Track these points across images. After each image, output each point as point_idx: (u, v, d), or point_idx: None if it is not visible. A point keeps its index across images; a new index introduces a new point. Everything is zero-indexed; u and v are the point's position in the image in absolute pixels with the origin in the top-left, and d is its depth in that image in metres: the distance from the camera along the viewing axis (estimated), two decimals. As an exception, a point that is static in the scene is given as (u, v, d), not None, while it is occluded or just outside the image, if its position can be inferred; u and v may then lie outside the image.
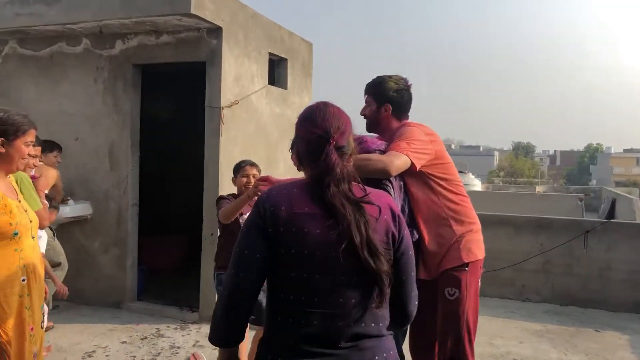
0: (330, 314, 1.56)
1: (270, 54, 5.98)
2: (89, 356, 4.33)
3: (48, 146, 4.86)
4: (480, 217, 6.53)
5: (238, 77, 5.33)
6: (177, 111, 7.07)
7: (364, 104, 3.00)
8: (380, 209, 1.66)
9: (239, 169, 3.69)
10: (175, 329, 5.02)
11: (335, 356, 1.56)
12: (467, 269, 2.78)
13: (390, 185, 2.73)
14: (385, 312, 1.66)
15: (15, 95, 5.89)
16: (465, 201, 2.93)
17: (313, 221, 1.58)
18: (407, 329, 2.96)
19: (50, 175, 4.58)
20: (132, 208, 5.54)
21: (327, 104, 1.74)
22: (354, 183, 1.66)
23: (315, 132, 1.67)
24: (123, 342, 4.63)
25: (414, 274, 1.75)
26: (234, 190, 3.79)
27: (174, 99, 6.94)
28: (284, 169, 6.12)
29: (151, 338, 4.76)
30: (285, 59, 6.34)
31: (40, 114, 5.79)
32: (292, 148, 2.64)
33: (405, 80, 2.96)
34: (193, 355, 4.32)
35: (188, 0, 4.60)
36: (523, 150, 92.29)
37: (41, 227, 3.31)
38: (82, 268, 5.55)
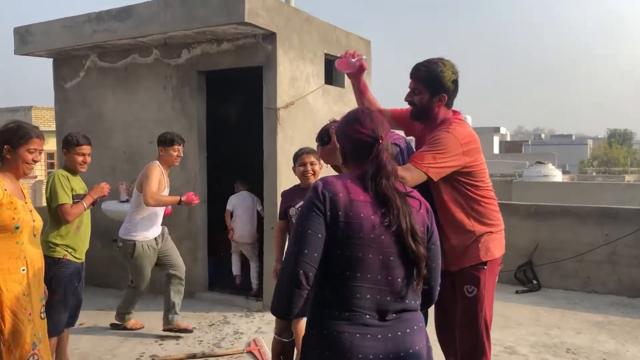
0: (380, 289, 1.79)
1: (326, 54, 6.21)
2: (162, 339, 4.76)
3: (168, 141, 4.66)
4: (541, 208, 6.50)
5: (293, 78, 5.61)
6: (241, 113, 7.45)
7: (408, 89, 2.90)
8: (420, 203, 1.93)
9: (297, 157, 3.85)
10: (241, 316, 5.38)
11: (383, 327, 1.78)
12: (485, 267, 2.84)
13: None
14: (419, 291, 1.89)
15: (96, 104, 6.49)
16: (491, 203, 2.93)
17: (368, 207, 1.81)
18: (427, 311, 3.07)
19: (149, 172, 4.61)
20: (201, 204, 5.97)
21: (370, 108, 2.04)
22: (397, 182, 1.91)
23: (365, 133, 1.92)
24: (193, 328, 5.04)
25: (440, 262, 2.00)
26: (295, 182, 4.03)
27: (238, 101, 7.31)
28: (343, 164, 6.35)
29: (218, 324, 5.14)
30: (342, 59, 6.55)
31: (118, 120, 6.38)
32: (323, 144, 2.82)
33: (455, 68, 2.86)
34: (254, 340, 4.65)
35: (242, 10, 4.93)
36: (620, 137, 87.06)
37: (65, 221, 3.70)
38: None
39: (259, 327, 5.04)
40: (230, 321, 5.24)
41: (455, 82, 2.84)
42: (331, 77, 6.53)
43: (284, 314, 1.83)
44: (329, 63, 6.41)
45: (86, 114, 6.58)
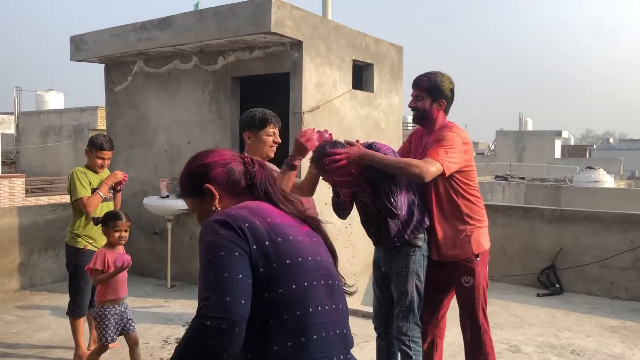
0: (334, 321, 1.51)
1: (355, 60, 6.49)
2: (188, 324, 5.16)
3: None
4: (565, 213, 6.57)
5: (319, 84, 5.92)
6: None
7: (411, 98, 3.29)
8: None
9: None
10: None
11: None
12: (478, 259, 3.21)
13: (399, 181, 3.12)
14: None
15: (142, 106, 7.01)
16: (479, 202, 3.29)
17: (292, 229, 1.55)
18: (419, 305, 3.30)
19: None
20: (232, 202, 6.37)
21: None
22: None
23: (234, 159, 1.70)
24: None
25: None
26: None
27: (268, 105, 7.66)
28: (370, 166, 6.60)
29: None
30: (372, 64, 6.81)
31: (161, 122, 6.87)
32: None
33: (451, 79, 3.29)
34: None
35: (268, 21, 5.28)
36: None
37: (86, 212, 4.06)
38: (195, 253, 6.47)
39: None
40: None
41: (452, 91, 3.27)
42: (361, 82, 6.81)
43: None
44: (358, 69, 6.69)
45: (133, 115, 7.12)
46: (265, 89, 6.77)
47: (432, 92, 3.21)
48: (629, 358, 4.44)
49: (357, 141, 3.10)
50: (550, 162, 32.30)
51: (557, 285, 6.29)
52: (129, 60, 6.99)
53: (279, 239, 1.48)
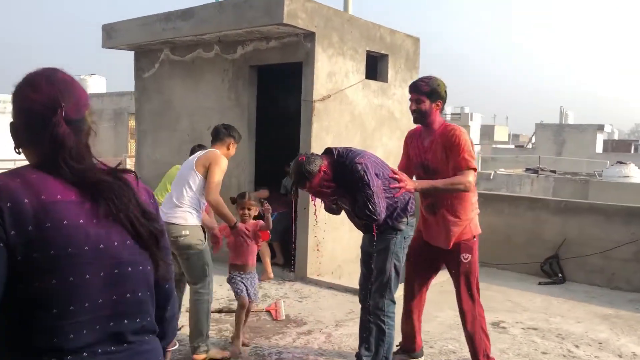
0: (103, 318, 1.32)
1: (369, 51, 6.73)
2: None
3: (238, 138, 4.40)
4: (570, 204, 6.74)
5: (331, 73, 6.19)
6: (284, 104, 8.03)
7: (410, 103, 3.77)
8: (136, 181, 1.48)
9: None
10: (273, 283, 6.07)
11: (120, 352, 1.35)
12: (475, 239, 3.73)
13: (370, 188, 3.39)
14: (150, 307, 1.45)
15: (168, 92, 7.42)
16: (476, 193, 3.81)
17: (72, 208, 1.29)
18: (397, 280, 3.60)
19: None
20: (248, 184, 6.72)
21: (57, 69, 1.42)
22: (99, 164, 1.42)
23: (37, 100, 1.35)
24: (229, 290, 5.77)
25: (170, 260, 1.52)
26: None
27: (283, 93, 7.91)
28: (382, 154, 6.84)
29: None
30: (387, 55, 7.03)
31: (186, 108, 7.27)
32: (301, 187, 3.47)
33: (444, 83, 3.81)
34: (275, 302, 5.32)
35: (281, 13, 5.57)
36: None
37: None
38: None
39: (285, 293, 5.71)
40: (263, 287, 5.94)
41: (446, 92, 3.76)
42: (375, 72, 7.04)
43: None
44: (373, 59, 6.92)
45: (159, 100, 7.54)
46: (286, 77, 7.07)
47: (430, 95, 3.66)
48: (613, 343, 4.61)
49: (313, 154, 3.54)
50: (591, 157, 31.66)
51: (560, 275, 6.43)
52: (156, 49, 7.39)
53: (47, 224, 1.24)
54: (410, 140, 3.93)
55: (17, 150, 1.41)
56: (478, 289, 3.76)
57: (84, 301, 1.28)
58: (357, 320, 4.50)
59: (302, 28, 5.82)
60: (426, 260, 3.87)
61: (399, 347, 4.08)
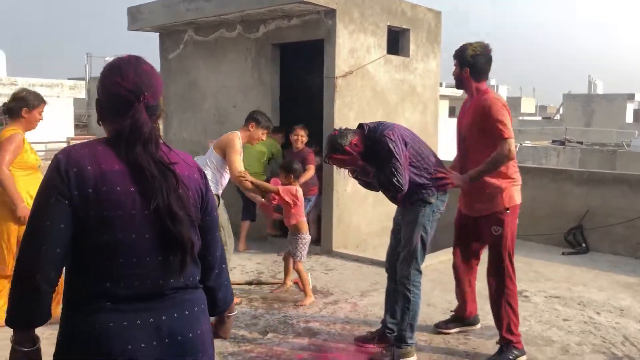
0: (148, 273, 1.55)
1: (390, 26, 6.75)
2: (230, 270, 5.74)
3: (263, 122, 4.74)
4: (594, 175, 6.77)
5: (353, 50, 6.25)
6: (307, 82, 8.09)
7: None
8: (192, 169, 1.72)
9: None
10: (300, 257, 6.24)
11: (154, 311, 1.56)
12: (508, 211, 3.62)
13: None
14: (196, 269, 1.68)
15: (193, 73, 7.56)
16: (514, 163, 3.70)
17: (125, 178, 1.53)
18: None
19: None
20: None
21: (140, 59, 1.66)
22: (162, 145, 1.66)
23: (124, 86, 1.58)
24: (258, 263, 5.99)
25: (217, 233, 1.79)
26: None
27: (306, 71, 7.98)
28: (405, 128, 6.91)
29: (280, 262, 6.03)
30: (408, 29, 7.05)
31: (210, 88, 7.41)
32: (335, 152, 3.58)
33: (483, 47, 3.68)
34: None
35: (302, -11, 5.64)
36: None
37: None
38: (238, 212, 7.03)
39: (312, 266, 5.87)
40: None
41: (474, 57, 3.64)
42: (397, 47, 7.07)
43: (25, 324, 1.54)
44: (394, 34, 6.94)
45: (184, 81, 7.69)
46: (308, 55, 7.15)
47: (460, 60, 3.68)
48: (635, 310, 4.67)
49: (347, 128, 3.65)
50: (621, 127, 31.06)
51: (584, 245, 6.47)
52: (180, 30, 7.52)
53: (103, 188, 1.50)
54: (461, 107, 3.98)
55: (99, 122, 1.68)
56: (511, 264, 3.66)
57: (132, 257, 1.52)
58: (382, 291, 4.63)
59: (323, 5, 5.88)
60: (465, 229, 3.93)
61: (452, 313, 4.21)
